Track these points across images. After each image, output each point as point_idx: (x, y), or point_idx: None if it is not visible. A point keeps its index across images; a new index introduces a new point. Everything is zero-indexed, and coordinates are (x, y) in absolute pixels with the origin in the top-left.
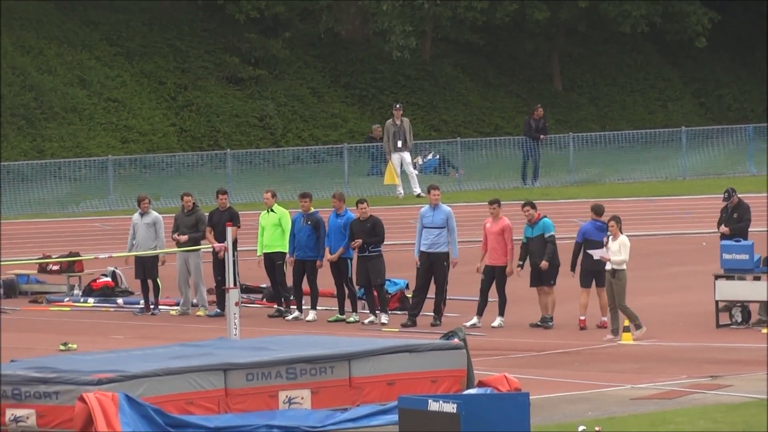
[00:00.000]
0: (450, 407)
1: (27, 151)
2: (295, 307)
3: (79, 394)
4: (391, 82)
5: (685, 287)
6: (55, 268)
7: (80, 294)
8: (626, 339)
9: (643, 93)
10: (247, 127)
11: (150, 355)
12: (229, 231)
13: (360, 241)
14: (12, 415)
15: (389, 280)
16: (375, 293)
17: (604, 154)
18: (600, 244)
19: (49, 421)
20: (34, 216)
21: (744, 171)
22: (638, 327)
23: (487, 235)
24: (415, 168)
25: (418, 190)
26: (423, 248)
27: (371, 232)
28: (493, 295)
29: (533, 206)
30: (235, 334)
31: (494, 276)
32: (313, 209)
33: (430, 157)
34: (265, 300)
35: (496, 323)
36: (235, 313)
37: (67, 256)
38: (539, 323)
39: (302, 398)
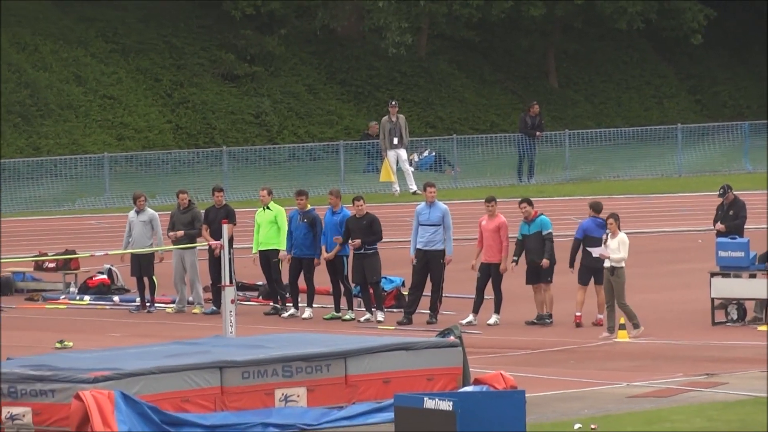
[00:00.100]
0: (446, 405)
1: (23, 149)
2: (291, 304)
3: (75, 392)
4: (386, 78)
5: (680, 285)
6: (51, 265)
7: (76, 292)
8: (622, 337)
9: (638, 90)
10: (242, 124)
11: (146, 352)
12: (225, 228)
13: (359, 241)
14: (8, 413)
15: (385, 278)
16: (371, 291)
17: (600, 151)
18: (601, 242)
19: (45, 419)
20: (30, 213)
21: (740, 168)
22: (636, 326)
23: (483, 233)
24: (411, 165)
25: (414, 187)
26: (419, 246)
27: (368, 229)
28: (489, 293)
29: (530, 203)
30: (231, 332)
31: (490, 273)
32: (309, 207)
33: (426, 154)
34: (261, 298)
35: (491, 321)
36: (231, 311)
37: (63, 254)
38: (535, 321)
39: (298, 396)
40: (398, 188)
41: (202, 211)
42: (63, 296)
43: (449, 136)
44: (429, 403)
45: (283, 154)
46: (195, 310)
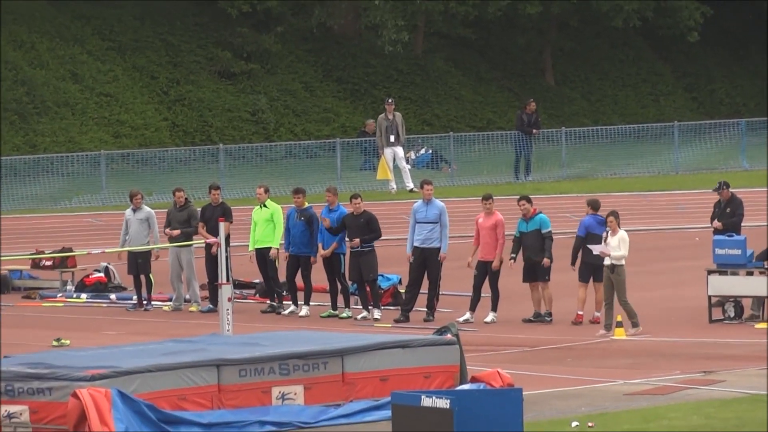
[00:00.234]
0: (443, 403)
1: (19, 146)
2: (289, 302)
3: (72, 390)
4: (383, 76)
5: (677, 282)
6: (48, 263)
7: (73, 290)
8: (619, 334)
9: (635, 88)
10: (239, 121)
11: (143, 350)
12: (222, 226)
13: (358, 240)
14: (5, 411)
15: (382, 276)
16: (368, 288)
17: (597, 148)
18: (601, 239)
19: (43, 417)
20: (27, 211)
21: (736, 166)
22: (635, 325)
23: (480, 230)
24: (407, 163)
25: (410, 185)
26: (416, 243)
27: (365, 227)
28: (486, 291)
29: (529, 201)
30: (228, 330)
31: (487, 271)
32: (306, 204)
33: (422, 151)
34: (257, 295)
35: (488, 319)
36: (227, 309)
37: (60, 252)
38: (532, 318)
39: (295, 394)
40: (395, 186)
41: (199, 209)
42: (60, 294)
43: (446, 133)
44: (426, 401)
45: (279, 151)
46: (192, 308)
